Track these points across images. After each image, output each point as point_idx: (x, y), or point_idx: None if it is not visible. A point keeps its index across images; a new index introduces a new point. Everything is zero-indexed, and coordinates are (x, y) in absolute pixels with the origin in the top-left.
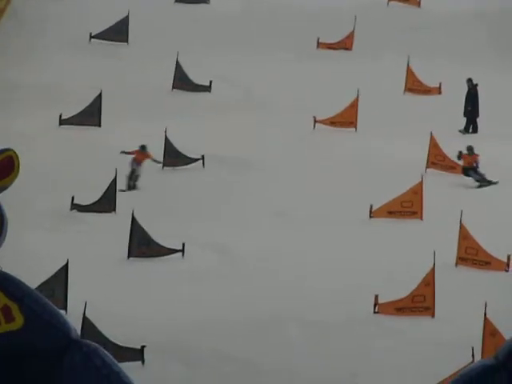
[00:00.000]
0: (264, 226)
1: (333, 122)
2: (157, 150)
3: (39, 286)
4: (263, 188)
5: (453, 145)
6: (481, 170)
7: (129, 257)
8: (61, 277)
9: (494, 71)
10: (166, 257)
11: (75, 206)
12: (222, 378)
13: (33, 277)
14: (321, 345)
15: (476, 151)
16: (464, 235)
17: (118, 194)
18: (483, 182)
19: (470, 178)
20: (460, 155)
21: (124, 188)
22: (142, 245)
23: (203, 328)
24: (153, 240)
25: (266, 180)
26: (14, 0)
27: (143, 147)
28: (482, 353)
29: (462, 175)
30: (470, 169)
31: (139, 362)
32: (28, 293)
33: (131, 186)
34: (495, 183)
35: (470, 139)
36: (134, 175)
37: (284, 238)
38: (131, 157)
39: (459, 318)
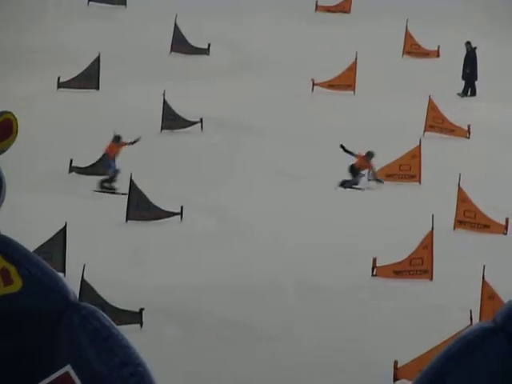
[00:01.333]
0: (262, 189)
1: (331, 85)
2: (155, 113)
3: (37, 249)
4: (262, 151)
5: (451, 108)
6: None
7: (127, 220)
8: (59, 240)
9: (493, 34)
10: (164, 220)
11: (74, 169)
12: (220, 341)
13: (31, 239)
14: (319, 308)
15: (474, 115)
16: (462, 198)
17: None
18: (351, 186)
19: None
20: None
21: (97, 189)
22: (140, 208)
23: (201, 291)
24: (151, 203)
25: (264, 143)
26: None
27: (117, 138)
28: (480, 316)
29: (460, 138)
30: (357, 171)
31: (137, 325)
32: (26, 255)
33: (108, 187)
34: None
35: (469, 102)
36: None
37: (283, 200)
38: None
39: (457, 281)
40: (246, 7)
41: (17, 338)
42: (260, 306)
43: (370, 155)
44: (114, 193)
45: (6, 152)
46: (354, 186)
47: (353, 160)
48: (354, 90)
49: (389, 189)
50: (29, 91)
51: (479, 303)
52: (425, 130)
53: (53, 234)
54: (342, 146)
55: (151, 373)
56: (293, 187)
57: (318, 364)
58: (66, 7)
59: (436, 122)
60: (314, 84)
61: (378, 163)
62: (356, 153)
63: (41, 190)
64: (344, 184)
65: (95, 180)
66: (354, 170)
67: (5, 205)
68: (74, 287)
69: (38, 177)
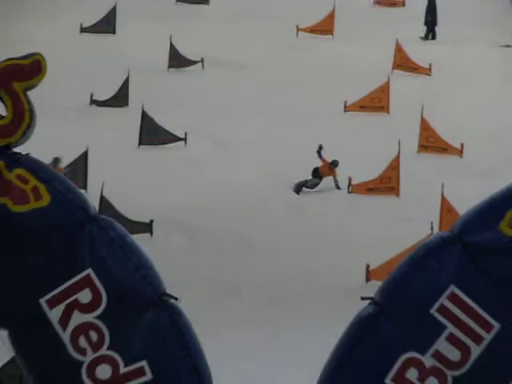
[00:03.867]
0: (253, 120)
1: (313, 30)
2: (163, 54)
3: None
4: (255, 86)
5: (415, 49)
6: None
7: (139, 145)
8: (81, 162)
9: None
10: (170, 144)
11: (94, 102)
12: (220, 249)
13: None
14: (304, 224)
15: (435, 55)
16: (425, 126)
17: (130, 90)
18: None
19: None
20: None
21: None
22: (150, 134)
23: (203, 207)
24: (160, 127)
25: (257, 79)
26: None
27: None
28: (440, 226)
29: (423, 75)
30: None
31: (148, 234)
32: (54, 175)
33: None
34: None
35: (430, 44)
36: None
37: (271, 129)
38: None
39: (420, 197)
40: None
41: (45, 246)
42: (253, 221)
43: (334, 163)
44: None
45: (36, 87)
46: (308, 189)
47: (318, 163)
48: (332, 34)
49: (362, 118)
50: (55, 35)
51: (439, 216)
52: (393, 69)
53: (76, 156)
54: (320, 147)
55: (159, 275)
56: (280, 118)
57: (301, 270)
58: None
59: (402, 61)
60: (298, 29)
61: (353, 97)
62: (322, 156)
63: (65, 119)
64: (300, 185)
65: (113, 110)
66: (317, 174)
67: (35, 132)
68: (94, 202)
69: (63, 108)
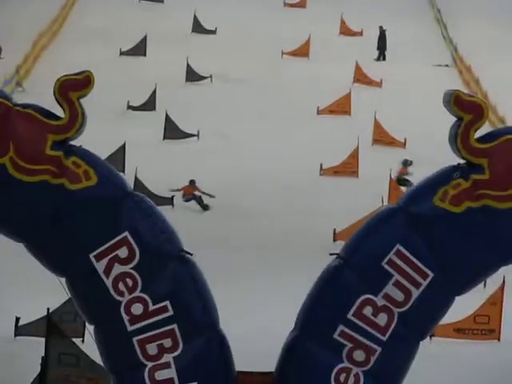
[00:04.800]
0: (251, 121)
1: (294, 54)
2: (181, 71)
3: (107, 158)
4: (250, 95)
5: (370, 68)
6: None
7: (163, 139)
8: (120, 152)
9: (396, 22)
10: (186, 139)
11: (130, 107)
12: (224, 217)
13: (103, 152)
14: (286, 197)
15: (385, 72)
16: (377, 126)
17: (157, 99)
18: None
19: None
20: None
21: None
22: (171, 131)
23: (211, 184)
24: (178, 128)
25: (252, 90)
26: None
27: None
28: (388, 200)
29: (376, 87)
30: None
31: (170, 206)
32: (99, 161)
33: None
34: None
35: (381, 64)
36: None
37: (264, 127)
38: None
39: (374, 178)
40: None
41: (93, 215)
42: (249, 196)
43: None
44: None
45: (87, 96)
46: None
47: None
48: (308, 57)
49: (330, 119)
50: (100, 57)
51: (387, 192)
52: (353, 82)
53: (116, 148)
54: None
55: (179, 236)
56: (269, 119)
57: (286, 234)
58: (119, 0)
59: (360, 77)
60: (282, 53)
61: (324, 103)
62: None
63: (108, 120)
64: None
65: (144, 113)
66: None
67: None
68: (129, 182)
69: (107, 111)
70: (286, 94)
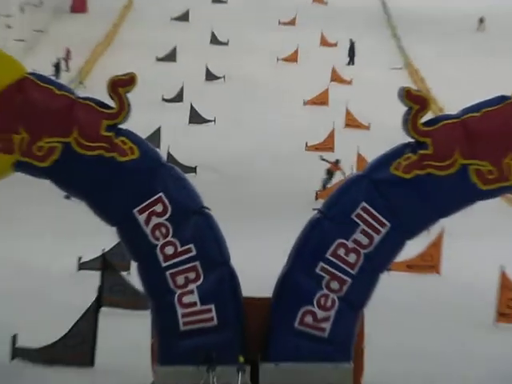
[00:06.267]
0: (255, 110)
1: (286, 59)
2: (201, 73)
3: (147, 138)
4: (253, 92)
5: (343, 70)
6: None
7: (189, 123)
8: (157, 134)
9: (364, 35)
10: (205, 124)
11: (164, 99)
12: (234, 182)
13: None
14: (277, 167)
15: (354, 74)
16: (348, 113)
17: (184, 93)
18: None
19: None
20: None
21: None
22: (194, 117)
23: (224, 158)
24: (200, 115)
25: (255, 88)
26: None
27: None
28: (357, 169)
29: (347, 85)
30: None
31: (193, 174)
32: (141, 140)
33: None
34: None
35: (351, 68)
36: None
37: (264, 114)
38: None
39: (345, 152)
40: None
41: (136, 180)
42: (251, 167)
43: (337, 161)
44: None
45: (131, 91)
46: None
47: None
48: (297, 62)
49: (313, 108)
50: (141, 62)
51: (356, 163)
52: (330, 81)
53: (153, 130)
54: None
55: (200, 196)
56: (268, 109)
57: (277, 195)
58: (156, 20)
59: (335, 77)
60: (277, 59)
61: (311, 94)
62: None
63: (148, 109)
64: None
65: (173, 105)
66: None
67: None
68: (163, 156)
69: (146, 103)
70: (280, 89)
